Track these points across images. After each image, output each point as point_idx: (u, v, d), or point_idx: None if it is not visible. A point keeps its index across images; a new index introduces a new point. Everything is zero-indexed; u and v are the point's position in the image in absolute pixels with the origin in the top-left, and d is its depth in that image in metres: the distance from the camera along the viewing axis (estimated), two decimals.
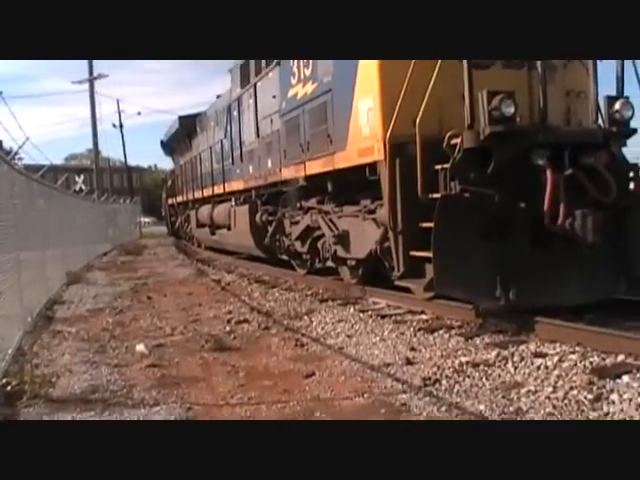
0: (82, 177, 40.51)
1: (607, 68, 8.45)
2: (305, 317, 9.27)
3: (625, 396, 5.13)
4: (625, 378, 5.56)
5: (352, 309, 9.52)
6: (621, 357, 6.16)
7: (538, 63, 8.02)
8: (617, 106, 8.02)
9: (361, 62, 8.86)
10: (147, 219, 65.65)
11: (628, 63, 8.15)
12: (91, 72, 41.05)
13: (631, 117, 8.09)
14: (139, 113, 71.37)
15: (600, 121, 8.32)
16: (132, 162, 73.69)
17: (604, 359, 6.17)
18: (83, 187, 33.09)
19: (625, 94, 8.26)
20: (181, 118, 25.99)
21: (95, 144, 42.34)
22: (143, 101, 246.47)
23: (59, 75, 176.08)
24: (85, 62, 40.94)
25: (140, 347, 7.80)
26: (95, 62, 41.02)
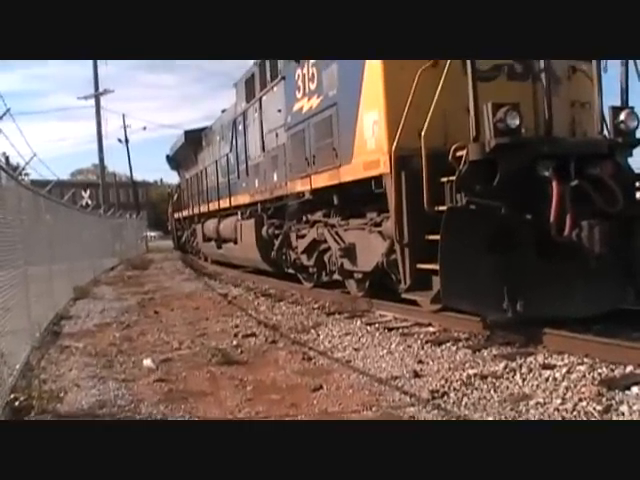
0: (88, 192, 40.73)
1: (611, 79, 8.47)
2: (312, 330, 9.27)
3: (635, 407, 5.12)
4: (634, 389, 5.54)
5: (359, 322, 9.51)
6: (630, 368, 6.14)
7: (542, 75, 8.05)
8: (622, 116, 8.02)
9: (366, 76, 8.89)
10: (153, 233, 65.77)
11: (632, 75, 8.17)
12: (97, 87, 41.30)
13: (636, 127, 8.09)
14: (145, 128, 71.12)
15: (605, 132, 8.32)
16: (138, 177, 73.93)
17: (613, 370, 6.15)
18: (89, 202, 33.23)
19: (630, 104, 8.29)
20: (187, 132, 26.06)
21: (101, 159, 42.54)
22: (149, 116, 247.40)
23: (65, 91, 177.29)
24: (91, 78, 41.19)
25: (147, 362, 7.80)
26: (101, 78, 41.30)
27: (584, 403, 5.28)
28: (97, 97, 41.39)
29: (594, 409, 5.15)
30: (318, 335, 8.94)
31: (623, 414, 5.04)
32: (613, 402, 5.28)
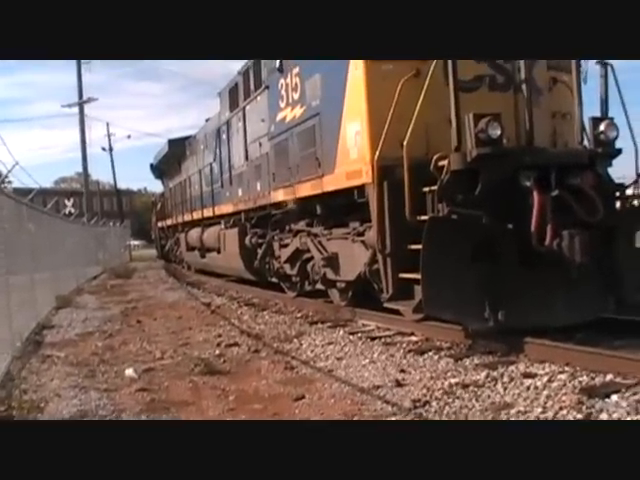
0: (72, 200, 40.54)
1: (591, 90, 8.55)
2: (295, 340, 9.26)
3: (614, 415, 5.15)
4: (614, 397, 5.58)
5: (342, 331, 9.52)
6: (610, 376, 6.18)
7: (524, 86, 8.11)
8: (602, 127, 8.10)
9: (349, 86, 8.92)
10: (137, 242, 65.54)
11: (612, 85, 8.27)
12: (81, 95, 41.21)
13: (616, 138, 8.16)
14: (129, 136, 70.80)
15: (586, 142, 8.39)
16: (122, 185, 73.56)
17: (593, 379, 6.18)
18: (73, 210, 33.07)
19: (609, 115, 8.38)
20: (171, 141, 26.03)
21: (85, 167, 42.46)
22: (133, 124, 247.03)
23: (49, 99, 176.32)
24: (75, 86, 41.11)
25: (129, 371, 7.78)
26: (85, 86, 41.21)
27: (565, 411, 5.31)
28: (81, 105, 41.30)
29: (574, 417, 5.18)
30: (301, 344, 8.94)
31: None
32: (593, 410, 5.30)
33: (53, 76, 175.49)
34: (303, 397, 6.34)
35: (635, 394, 5.64)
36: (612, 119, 8.25)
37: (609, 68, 8.28)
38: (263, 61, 12.80)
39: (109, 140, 56.83)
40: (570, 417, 5.18)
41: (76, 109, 41.36)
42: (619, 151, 8.27)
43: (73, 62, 41.10)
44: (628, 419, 5.06)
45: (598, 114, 8.37)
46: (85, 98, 41.53)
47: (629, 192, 8.51)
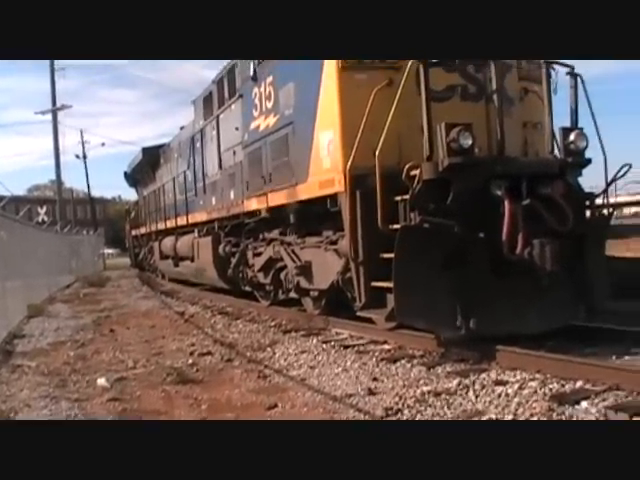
0: (45, 208, 40.17)
1: (562, 100, 8.65)
2: (268, 349, 9.26)
3: None
4: (584, 404, 5.65)
5: (315, 340, 9.52)
6: (580, 383, 6.25)
7: (495, 96, 8.18)
8: (572, 137, 8.19)
9: (322, 95, 8.95)
10: (111, 250, 65.08)
11: (581, 96, 8.37)
12: (54, 102, 40.94)
13: (585, 147, 8.26)
14: (103, 144, 70.18)
15: (556, 152, 8.47)
16: (96, 193, 73.19)
17: (563, 386, 6.25)
18: (46, 218, 32.79)
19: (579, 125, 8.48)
20: (145, 149, 25.96)
21: (58, 175, 42.18)
22: (107, 132, 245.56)
23: (22, 105, 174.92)
24: (49, 93, 40.86)
25: (101, 381, 7.73)
26: (59, 93, 40.97)
27: (535, 418, 5.36)
28: (54, 112, 41.03)
29: None
30: (274, 353, 8.93)
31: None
32: (563, 417, 5.37)
33: (28, 82, 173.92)
34: (276, 406, 6.34)
35: (604, 400, 5.72)
36: (582, 129, 8.35)
37: (578, 79, 8.39)
38: (237, 70, 12.81)
39: (83, 148, 56.64)
40: None
41: (50, 116, 41.12)
42: (589, 161, 8.36)
43: (48, 68, 40.86)
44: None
45: (568, 124, 8.46)
46: (59, 105, 41.30)
47: (599, 201, 8.62)
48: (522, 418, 5.40)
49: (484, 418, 5.48)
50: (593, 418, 5.27)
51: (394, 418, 5.69)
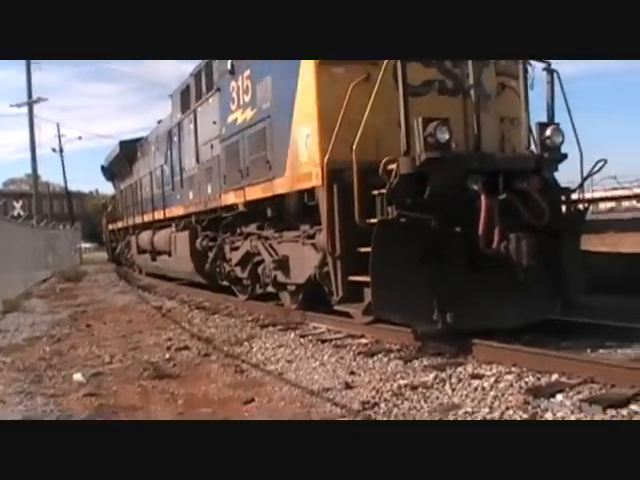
0: (21, 202, 39.94)
1: (538, 95, 8.69)
2: (245, 343, 9.24)
3: (559, 414, 5.26)
4: (559, 397, 5.69)
5: (292, 334, 9.53)
6: (555, 376, 6.31)
7: (472, 91, 8.21)
8: (548, 132, 8.23)
9: (299, 89, 8.94)
10: (88, 245, 64.69)
11: (557, 91, 8.42)
12: (30, 95, 40.59)
13: (561, 143, 8.30)
14: (80, 137, 69.98)
15: (533, 147, 8.52)
16: (73, 187, 72.64)
17: (539, 379, 6.30)
18: (22, 213, 32.55)
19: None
20: (122, 143, 25.79)
21: (34, 169, 41.84)
22: (84, 126, 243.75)
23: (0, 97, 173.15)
24: (25, 85, 40.50)
25: (77, 376, 7.68)
26: (36, 86, 40.64)
27: (511, 411, 5.40)
28: (30, 105, 40.69)
29: (520, 417, 5.27)
30: (251, 348, 8.92)
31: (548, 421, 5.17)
32: (538, 410, 5.40)
33: (5, 75, 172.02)
34: (253, 400, 6.32)
35: (579, 393, 5.77)
36: (558, 125, 8.39)
37: (555, 75, 8.43)
38: (215, 63, 12.76)
39: (59, 141, 56.21)
40: (516, 417, 5.27)
41: (25, 109, 40.77)
42: (565, 156, 8.41)
43: (24, 61, 40.52)
44: (572, 418, 5.17)
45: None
46: (35, 98, 40.95)
47: (575, 196, 8.67)
48: (498, 412, 5.42)
49: (460, 412, 5.51)
50: (568, 411, 5.31)
51: (371, 412, 5.70)
